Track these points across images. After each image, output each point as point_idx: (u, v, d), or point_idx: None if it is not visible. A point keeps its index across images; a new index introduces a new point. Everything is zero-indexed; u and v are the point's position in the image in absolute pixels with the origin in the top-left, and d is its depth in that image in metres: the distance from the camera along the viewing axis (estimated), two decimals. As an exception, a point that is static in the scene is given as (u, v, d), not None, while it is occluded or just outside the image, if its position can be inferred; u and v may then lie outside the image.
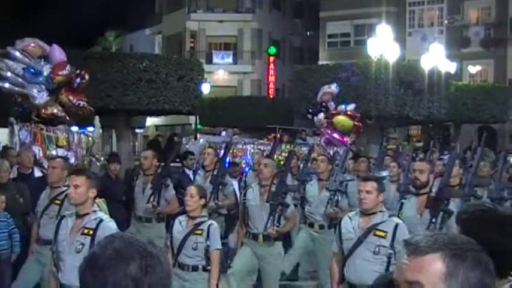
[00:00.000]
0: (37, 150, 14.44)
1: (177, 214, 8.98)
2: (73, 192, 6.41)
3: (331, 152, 16.33)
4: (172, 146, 15.64)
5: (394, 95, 28.84)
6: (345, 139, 21.72)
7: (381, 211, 7.03)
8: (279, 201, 8.97)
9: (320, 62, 45.46)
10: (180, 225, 7.79)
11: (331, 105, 22.32)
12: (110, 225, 6.33)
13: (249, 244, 9.28)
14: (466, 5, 45.56)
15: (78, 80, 16.09)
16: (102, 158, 17.18)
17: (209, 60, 48.55)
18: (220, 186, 11.34)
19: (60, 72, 15.67)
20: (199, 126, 39.19)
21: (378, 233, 6.83)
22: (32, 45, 15.64)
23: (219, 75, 49.29)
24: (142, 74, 27.11)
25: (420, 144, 34.64)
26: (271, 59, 50.64)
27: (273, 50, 50.87)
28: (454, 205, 7.86)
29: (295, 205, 11.02)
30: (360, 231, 6.92)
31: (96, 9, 58.48)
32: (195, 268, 7.59)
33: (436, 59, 31.28)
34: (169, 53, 45.19)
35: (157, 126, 47.36)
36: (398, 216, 7.59)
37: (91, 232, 6.26)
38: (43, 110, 15.33)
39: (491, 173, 11.70)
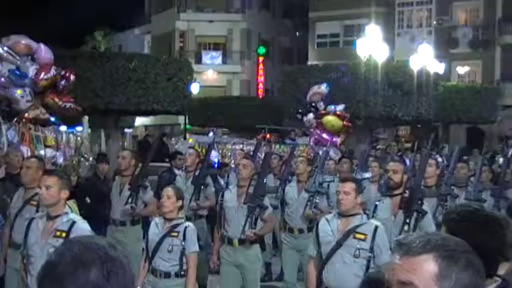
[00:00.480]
0: (25, 150, 14.32)
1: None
2: (44, 193, 6.15)
3: (320, 152, 16.21)
4: (151, 146, 15.22)
5: (382, 96, 28.85)
6: (334, 139, 21.73)
7: (359, 213, 6.83)
8: (257, 203, 8.69)
9: (309, 63, 45.71)
10: (156, 227, 7.63)
11: (321, 105, 22.37)
12: (83, 227, 6.15)
13: (225, 256, 9.03)
14: (455, 6, 45.72)
15: (62, 82, 15.96)
16: (90, 158, 17.07)
17: (198, 60, 48.57)
18: (202, 187, 11.15)
19: (45, 76, 15.50)
20: (188, 126, 39.18)
21: (357, 235, 6.61)
22: (21, 42, 15.51)
23: (209, 75, 49.29)
24: (132, 73, 27.08)
25: (409, 144, 34.68)
26: (261, 59, 50.77)
27: (262, 50, 50.96)
28: (427, 205, 7.78)
29: (275, 207, 11.18)
30: (339, 234, 6.68)
31: (84, 9, 58.36)
32: (167, 275, 7.41)
33: (424, 59, 31.32)
34: (158, 53, 45.14)
35: (146, 126, 47.27)
36: (373, 217, 7.49)
37: (64, 234, 5.99)
38: (26, 114, 15.21)
39: (469, 174, 11.64)
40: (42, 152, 14.80)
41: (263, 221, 8.88)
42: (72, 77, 16.37)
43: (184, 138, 30.35)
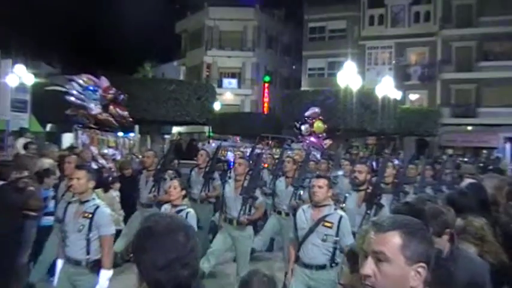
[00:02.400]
0: (93, 149, 14.40)
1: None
2: (76, 183, 6.02)
3: (312, 154, 15.99)
4: (177, 147, 14.95)
5: (356, 114, 28.81)
6: (320, 142, 21.86)
7: (329, 204, 6.56)
8: (250, 194, 8.44)
9: (302, 88, 45.59)
10: (165, 211, 7.28)
11: (310, 119, 22.54)
12: (105, 211, 6.00)
13: (225, 228, 8.87)
14: (408, 50, 45.62)
15: (121, 96, 16.40)
16: (140, 156, 17.04)
17: (220, 85, 48.35)
18: (210, 180, 10.79)
19: (110, 92, 16.01)
20: (211, 134, 39.14)
21: (325, 224, 6.36)
22: (86, 78, 16.00)
23: (227, 96, 49.15)
24: (171, 94, 27.23)
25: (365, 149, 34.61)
26: (266, 85, 50.54)
27: (267, 78, 50.82)
28: (385, 199, 7.55)
29: (267, 194, 11.14)
30: (311, 222, 6.43)
31: (138, 46, 58.43)
32: None
33: (386, 88, 31.19)
34: (190, 79, 45.24)
35: (180, 133, 47.22)
36: (342, 208, 7.32)
37: (90, 216, 5.90)
38: (99, 116, 15.54)
39: (416, 174, 11.48)
40: (105, 151, 14.89)
41: (255, 208, 8.63)
42: (125, 95, 17.00)
43: (208, 142, 30.32)
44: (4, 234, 7.60)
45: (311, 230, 6.39)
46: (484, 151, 41.18)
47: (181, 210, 7.11)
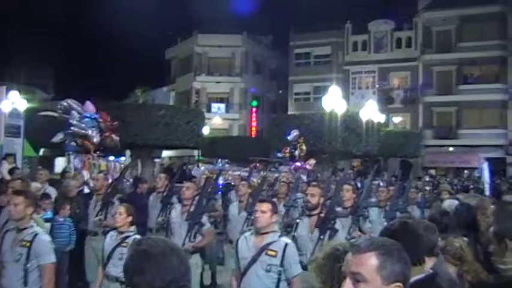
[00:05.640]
0: (85, 173, 14.37)
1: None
2: (13, 209, 5.57)
3: (296, 176, 15.87)
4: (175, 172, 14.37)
5: (341, 137, 28.89)
6: (303, 165, 21.91)
7: (273, 231, 5.80)
8: (196, 220, 7.55)
9: (289, 112, 45.74)
10: (110, 239, 6.73)
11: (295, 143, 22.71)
12: (44, 238, 5.58)
13: None
14: (391, 74, 46.11)
15: (114, 123, 16.61)
16: (130, 180, 16.98)
17: (209, 110, 48.35)
18: (168, 206, 9.43)
19: (107, 119, 16.20)
20: (200, 157, 39.09)
21: (269, 252, 5.59)
22: (71, 102, 16.43)
23: (216, 121, 49.16)
24: (161, 119, 27.17)
25: (351, 171, 34.64)
26: (254, 109, 50.74)
27: (255, 103, 50.97)
28: (340, 224, 6.84)
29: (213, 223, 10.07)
30: (254, 250, 5.66)
31: (129, 72, 58.61)
32: (117, 280, 6.38)
33: (370, 112, 31.36)
34: (180, 105, 45.37)
35: (170, 157, 47.05)
36: (293, 236, 6.77)
37: (28, 244, 5.42)
38: (95, 140, 15.87)
39: (388, 197, 10.34)
40: (100, 175, 14.87)
41: (201, 235, 7.74)
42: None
43: (198, 166, 30.28)
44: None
45: (254, 260, 5.63)
46: (466, 171, 41.46)
47: (127, 237, 6.58)
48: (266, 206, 5.76)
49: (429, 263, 3.80)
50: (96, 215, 9.07)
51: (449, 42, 43.45)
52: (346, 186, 8.56)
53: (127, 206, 6.89)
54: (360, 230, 7.85)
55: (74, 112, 15.94)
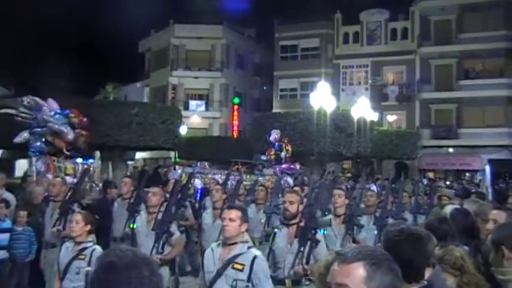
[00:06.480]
0: (50, 177, 14.22)
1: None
2: None
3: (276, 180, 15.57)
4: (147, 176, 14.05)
5: (330, 137, 28.94)
6: (291, 166, 21.93)
7: (242, 242, 5.55)
8: (164, 229, 7.29)
9: (273, 110, 45.67)
10: (66, 250, 6.57)
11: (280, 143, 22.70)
12: None
13: None
14: (385, 69, 46.26)
15: (85, 120, 16.74)
16: (100, 184, 16.89)
17: (186, 108, 48.37)
18: (135, 214, 9.09)
19: (79, 116, 16.66)
20: (177, 160, 38.97)
21: (235, 266, 5.36)
22: (30, 99, 16.39)
23: (194, 120, 49.06)
24: (134, 118, 27.11)
25: (349, 174, 34.79)
26: (236, 107, 50.75)
27: (237, 100, 51.01)
28: (321, 234, 6.66)
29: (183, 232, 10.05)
30: (220, 263, 5.45)
31: (98, 67, 58.28)
32: None
33: (363, 109, 31.46)
34: (155, 102, 45.22)
35: (144, 159, 46.93)
36: (270, 247, 6.69)
37: None
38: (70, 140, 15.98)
39: (377, 202, 10.13)
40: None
41: (170, 245, 7.54)
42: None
43: (174, 169, 30.16)
44: None
45: (219, 274, 5.43)
46: (467, 174, 41.69)
47: (85, 248, 6.44)
48: (235, 214, 5.53)
49: (425, 274, 3.79)
50: (54, 225, 8.70)
51: (449, 33, 43.61)
52: (337, 192, 8.45)
53: (85, 214, 6.74)
54: (354, 241, 7.72)
55: (45, 108, 15.84)
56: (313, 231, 6.46)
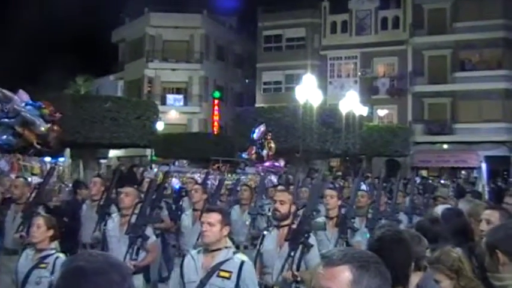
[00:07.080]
0: (13, 177, 14.10)
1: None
2: None
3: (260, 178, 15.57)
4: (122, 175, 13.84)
5: (317, 133, 29.01)
6: (275, 164, 21.99)
7: (226, 247, 5.40)
8: (138, 233, 7.05)
9: (256, 105, 45.67)
10: (26, 258, 6.31)
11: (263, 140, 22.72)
12: None
13: None
14: (375, 60, 46.33)
15: (57, 114, 16.88)
16: (70, 185, 16.78)
17: (163, 102, 48.20)
18: (106, 216, 8.89)
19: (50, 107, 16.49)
20: (154, 158, 38.90)
21: (221, 273, 5.21)
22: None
23: (172, 115, 48.99)
24: (107, 113, 27.08)
25: (339, 173, 34.84)
26: (216, 101, 50.70)
27: (217, 94, 50.97)
28: (314, 238, 6.49)
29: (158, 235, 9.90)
30: (203, 272, 5.28)
31: (68, 57, 57.90)
32: None
33: (351, 104, 31.59)
34: (129, 96, 45.07)
35: (119, 157, 46.69)
36: (258, 250, 6.59)
37: None
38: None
39: (368, 202, 9.69)
40: (29, 180, 14.56)
41: (145, 250, 7.36)
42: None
43: (151, 167, 30.10)
44: None
45: (202, 283, 5.25)
46: (462, 172, 41.89)
47: (47, 255, 6.17)
48: (214, 217, 5.36)
49: (415, 278, 3.79)
50: (17, 231, 8.32)
51: (443, 22, 43.78)
52: (329, 192, 8.45)
53: (47, 217, 6.49)
54: (347, 245, 7.66)
55: (16, 98, 15.75)
56: (306, 235, 6.27)
